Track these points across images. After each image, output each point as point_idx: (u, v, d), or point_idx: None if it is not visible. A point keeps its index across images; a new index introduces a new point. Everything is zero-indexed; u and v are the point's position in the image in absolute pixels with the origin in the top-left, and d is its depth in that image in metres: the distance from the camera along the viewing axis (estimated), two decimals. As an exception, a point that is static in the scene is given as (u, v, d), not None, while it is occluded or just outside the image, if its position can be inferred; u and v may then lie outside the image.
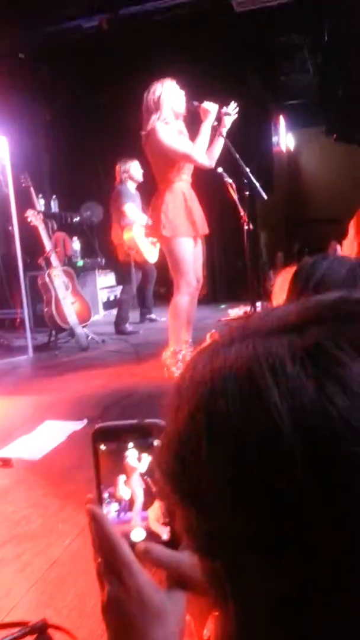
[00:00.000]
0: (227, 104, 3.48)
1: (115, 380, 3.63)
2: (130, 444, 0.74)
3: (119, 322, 5.47)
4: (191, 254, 3.53)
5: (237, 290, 6.91)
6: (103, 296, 6.74)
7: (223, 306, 6.51)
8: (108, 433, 0.74)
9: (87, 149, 7.07)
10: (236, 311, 5.94)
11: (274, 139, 8.67)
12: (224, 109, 3.44)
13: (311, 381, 0.32)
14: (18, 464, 2.32)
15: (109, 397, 3.18)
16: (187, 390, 0.37)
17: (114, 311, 6.46)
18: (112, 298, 6.81)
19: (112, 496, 0.76)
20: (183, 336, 3.59)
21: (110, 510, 0.73)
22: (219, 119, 3.45)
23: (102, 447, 0.74)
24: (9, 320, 5.71)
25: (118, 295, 6.77)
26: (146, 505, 0.77)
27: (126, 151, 5.57)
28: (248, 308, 5.75)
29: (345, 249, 1.81)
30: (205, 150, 3.43)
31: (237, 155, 3.54)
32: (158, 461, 0.41)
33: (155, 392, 3.19)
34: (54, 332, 4.81)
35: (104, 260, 6.53)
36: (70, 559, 1.63)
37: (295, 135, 9.25)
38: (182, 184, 3.51)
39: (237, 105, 3.48)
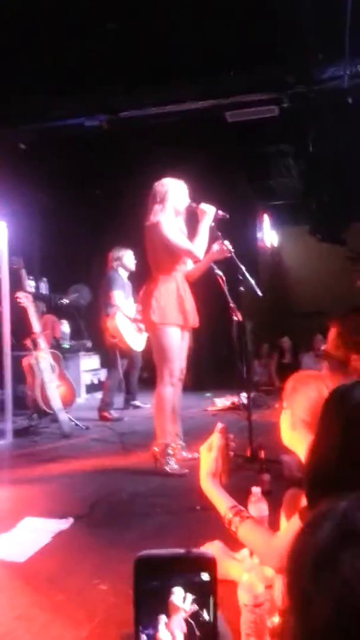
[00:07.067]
0: (218, 205, 3.65)
1: (100, 473, 3.47)
2: (176, 580, 0.68)
3: (103, 408, 5.36)
4: (178, 344, 3.53)
5: (222, 379, 6.91)
6: (86, 379, 6.64)
7: (208, 395, 6.47)
8: (151, 565, 0.68)
9: (78, 234, 7.28)
10: (222, 401, 5.90)
11: (259, 234, 9.09)
12: (220, 212, 3.62)
13: None
14: (0, 566, 2.15)
15: (95, 493, 3.02)
16: (319, 591, 0.36)
17: (97, 395, 6.36)
18: (95, 381, 6.72)
19: (152, 639, 0.68)
20: (170, 428, 3.52)
21: None
22: (215, 220, 3.62)
23: (144, 581, 0.68)
24: (-13, 402, 5.53)
25: (101, 379, 6.69)
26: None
27: (117, 239, 5.75)
28: (235, 398, 5.74)
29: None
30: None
31: (233, 252, 3.66)
32: None
33: (145, 490, 3.07)
34: (35, 416, 4.66)
35: (90, 343, 6.51)
36: None
37: (279, 232, 9.72)
38: (177, 274, 3.59)
39: (225, 212, 3.65)
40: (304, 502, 1.38)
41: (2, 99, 5.38)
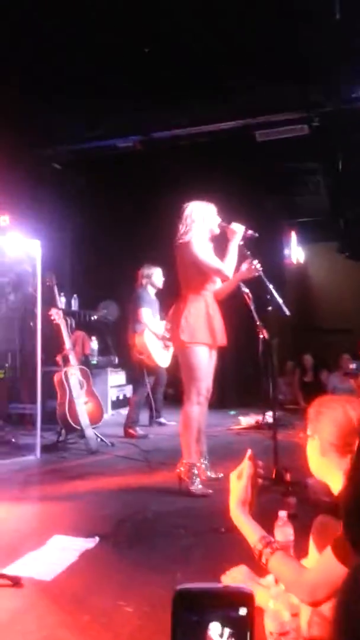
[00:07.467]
0: (246, 222, 3.68)
1: (125, 490, 3.50)
2: (214, 615, 0.69)
3: (129, 424, 5.39)
4: (206, 363, 3.54)
5: (246, 397, 6.88)
6: (112, 395, 6.69)
7: (233, 412, 6.45)
8: (190, 599, 0.69)
9: (108, 251, 7.38)
10: (247, 419, 5.87)
11: (286, 251, 9.08)
12: (250, 231, 3.65)
13: None
14: (28, 584, 2.18)
15: (120, 511, 3.05)
16: None
17: (122, 411, 6.40)
18: (121, 397, 6.77)
19: None
20: (195, 447, 3.52)
21: None
22: (244, 239, 3.64)
23: (183, 615, 0.69)
24: (16, 416, 5.64)
25: (127, 395, 6.74)
26: None
27: (146, 257, 5.82)
28: (260, 417, 5.70)
29: None
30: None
31: (262, 271, 3.66)
32: None
33: (170, 510, 3.08)
34: (63, 432, 4.72)
35: (116, 359, 6.57)
36: None
37: (306, 249, 9.67)
38: (206, 293, 3.62)
39: (253, 230, 3.66)
40: (335, 530, 1.36)
41: (39, 121, 5.55)
